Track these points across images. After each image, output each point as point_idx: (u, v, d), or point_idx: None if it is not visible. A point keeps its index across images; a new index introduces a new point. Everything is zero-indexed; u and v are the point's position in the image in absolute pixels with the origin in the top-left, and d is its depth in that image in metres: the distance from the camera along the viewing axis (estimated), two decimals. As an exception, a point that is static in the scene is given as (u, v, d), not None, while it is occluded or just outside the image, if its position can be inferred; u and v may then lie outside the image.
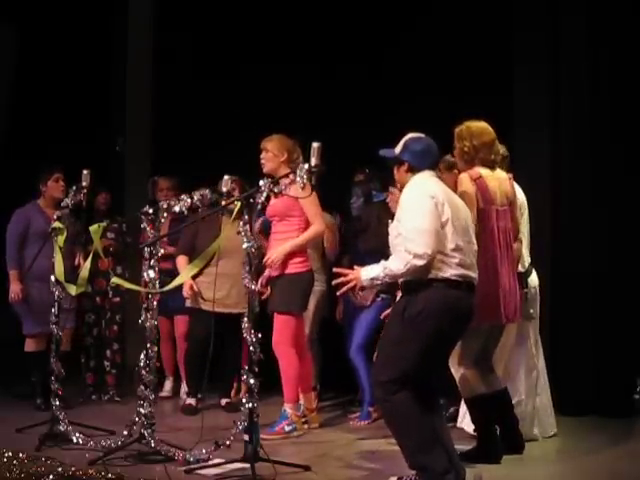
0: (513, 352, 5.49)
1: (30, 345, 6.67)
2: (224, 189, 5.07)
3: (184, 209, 5.16)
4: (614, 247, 6.33)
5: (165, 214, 5.29)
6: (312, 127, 6.08)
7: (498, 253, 4.95)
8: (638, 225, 6.31)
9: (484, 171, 5.05)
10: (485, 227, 4.80)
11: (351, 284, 4.46)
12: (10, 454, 4.98)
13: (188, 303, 6.68)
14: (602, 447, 5.40)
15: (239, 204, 4.89)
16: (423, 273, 4.30)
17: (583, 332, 6.36)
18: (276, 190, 4.94)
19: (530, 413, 5.52)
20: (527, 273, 5.51)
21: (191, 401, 6.62)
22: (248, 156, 6.15)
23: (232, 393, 6.83)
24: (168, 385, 7.40)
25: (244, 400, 4.77)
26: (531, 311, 5.52)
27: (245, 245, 4.86)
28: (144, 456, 5.02)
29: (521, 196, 5.49)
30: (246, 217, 4.85)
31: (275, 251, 5.75)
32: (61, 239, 5.71)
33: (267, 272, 5.87)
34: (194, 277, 6.39)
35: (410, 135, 4.59)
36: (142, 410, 5.09)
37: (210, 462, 4.85)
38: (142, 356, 5.17)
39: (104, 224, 5.83)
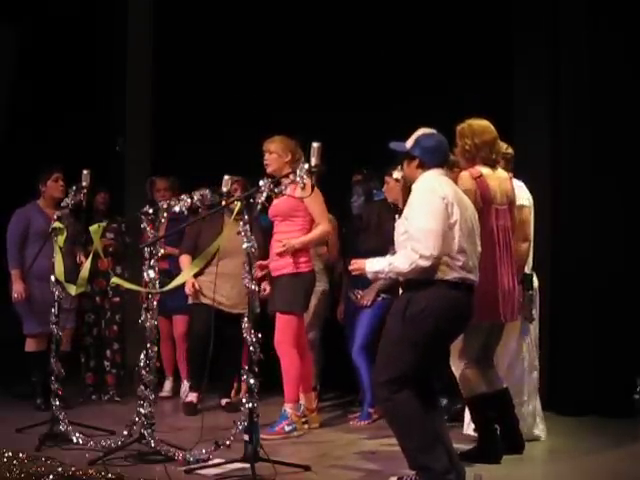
0: (516, 352, 5.49)
1: (31, 345, 6.67)
2: (224, 189, 5.07)
3: (184, 209, 5.16)
4: (614, 247, 6.33)
5: (165, 214, 5.29)
6: (312, 127, 6.08)
7: (497, 252, 4.95)
8: (639, 225, 6.31)
9: (485, 170, 5.05)
10: (485, 226, 4.79)
11: (358, 272, 4.54)
12: (10, 454, 4.97)
13: (190, 300, 6.70)
14: (602, 447, 5.40)
15: (239, 204, 4.88)
16: (427, 274, 4.30)
17: (583, 332, 6.36)
18: (276, 190, 4.94)
19: (532, 413, 5.52)
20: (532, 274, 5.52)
21: (192, 397, 6.62)
22: (248, 156, 6.15)
23: (232, 393, 6.84)
24: (168, 385, 7.40)
25: (244, 400, 4.76)
26: (533, 311, 5.53)
27: (245, 245, 4.86)
28: (144, 456, 5.01)
29: (529, 196, 5.50)
30: (246, 217, 4.85)
31: (288, 242, 5.71)
32: (61, 239, 5.71)
33: (263, 263, 5.88)
34: (195, 276, 6.40)
35: (422, 131, 4.57)
36: (142, 410, 5.09)
37: (210, 462, 4.84)
38: (142, 356, 5.16)
39: (104, 224, 5.83)
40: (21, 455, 4.98)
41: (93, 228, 5.49)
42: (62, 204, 5.86)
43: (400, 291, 4.80)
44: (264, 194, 4.88)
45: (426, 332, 4.28)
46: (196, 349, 6.54)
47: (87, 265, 5.65)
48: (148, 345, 5.19)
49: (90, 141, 8.61)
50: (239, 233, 4.87)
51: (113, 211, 7.32)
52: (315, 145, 4.57)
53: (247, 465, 4.61)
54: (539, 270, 5.68)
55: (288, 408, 5.76)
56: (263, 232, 6.25)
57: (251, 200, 4.86)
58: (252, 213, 4.93)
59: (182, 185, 6.98)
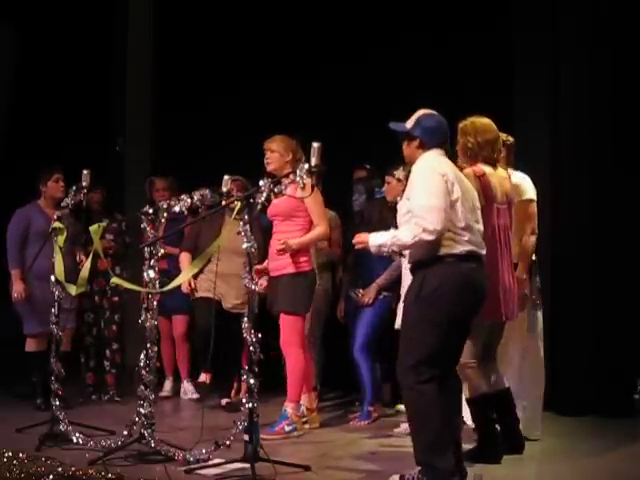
0: (525, 349, 5.50)
1: (31, 345, 6.67)
2: (224, 189, 5.07)
3: (184, 209, 5.16)
4: (614, 247, 6.33)
5: (165, 214, 5.29)
6: (312, 127, 6.08)
7: (499, 251, 4.95)
8: (639, 225, 6.31)
9: (487, 169, 5.05)
10: (487, 225, 4.80)
11: (361, 245, 4.55)
12: (10, 454, 4.97)
13: (191, 297, 6.71)
14: (602, 447, 5.40)
15: (239, 204, 4.88)
16: (430, 249, 4.32)
17: (583, 332, 6.36)
18: (276, 190, 4.93)
19: (537, 412, 5.53)
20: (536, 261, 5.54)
21: (203, 378, 6.62)
22: (248, 156, 6.15)
23: (232, 393, 6.83)
24: (168, 385, 7.40)
25: (244, 400, 4.76)
26: (538, 302, 5.53)
27: (245, 245, 4.85)
28: (144, 456, 5.01)
29: (534, 188, 5.52)
30: (246, 217, 4.84)
31: (287, 242, 5.69)
32: (61, 239, 5.70)
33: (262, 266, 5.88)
34: (194, 276, 6.41)
35: (423, 111, 4.59)
36: (142, 410, 5.09)
37: (210, 462, 4.84)
38: (142, 356, 5.16)
39: (104, 224, 5.83)
40: (21, 455, 4.98)
41: (93, 228, 5.49)
42: (62, 204, 5.85)
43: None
44: (264, 194, 4.87)
45: (444, 310, 4.28)
46: (202, 342, 6.53)
47: (87, 265, 5.64)
48: (148, 345, 5.18)
49: (90, 141, 8.62)
50: (239, 233, 4.87)
51: (109, 210, 7.24)
52: (315, 145, 4.56)
53: (247, 465, 4.60)
54: (539, 270, 5.68)
55: (289, 408, 5.76)
56: (263, 232, 6.25)
57: (251, 200, 4.86)
58: (252, 213, 4.93)
59: (182, 185, 6.98)
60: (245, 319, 4.86)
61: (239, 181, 6.34)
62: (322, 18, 7.75)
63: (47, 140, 8.54)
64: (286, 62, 7.87)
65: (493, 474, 4.68)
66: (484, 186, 4.95)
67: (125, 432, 5.14)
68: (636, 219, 6.30)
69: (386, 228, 6.07)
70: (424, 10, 7.24)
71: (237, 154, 7.17)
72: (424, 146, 4.53)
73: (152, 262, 5.22)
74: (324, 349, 6.85)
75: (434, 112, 4.58)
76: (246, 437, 4.67)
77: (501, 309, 4.96)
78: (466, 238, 4.38)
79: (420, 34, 7.25)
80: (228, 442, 4.84)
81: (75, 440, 5.36)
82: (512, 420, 5.17)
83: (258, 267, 5.64)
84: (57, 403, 5.53)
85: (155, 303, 5.25)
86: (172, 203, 5.22)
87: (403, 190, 5.37)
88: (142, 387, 5.12)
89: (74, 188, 5.74)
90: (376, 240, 4.49)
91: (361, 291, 6.29)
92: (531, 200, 5.48)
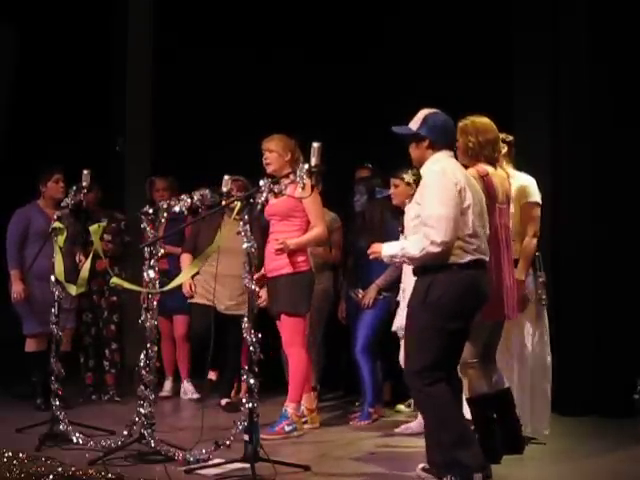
0: (533, 346, 5.51)
1: (31, 345, 6.67)
2: (224, 189, 5.06)
3: (184, 209, 5.16)
4: (615, 247, 6.33)
5: (165, 214, 5.29)
6: (312, 127, 6.08)
7: (501, 251, 4.95)
8: (639, 225, 6.31)
9: (489, 168, 5.04)
10: (490, 225, 4.79)
11: (375, 255, 4.55)
12: (10, 454, 4.98)
13: (191, 299, 6.73)
14: (602, 447, 5.40)
15: (239, 204, 4.87)
16: (440, 259, 4.31)
17: (583, 332, 6.36)
18: (276, 190, 4.92)
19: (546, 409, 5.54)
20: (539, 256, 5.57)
21: (211, 376, 6.75)
22: (248, 156, 6.15)
23: (232, 393, 6.84)
24: (168, 385, 7.40)
25: (244, 400, 4.76)
26: (544, 297, 5.54)
27: (245, 245, 4.85)
28: (144, 456, 5.01)
29: (537, 190, 5.54)
30: (246, 217, 4.84)
31: (285, 242, 5.67)
32: (61, 239, 5.70)
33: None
34: (192, 276, 6.41)
35: (427, 110, 4.52)
36: (142, 410, 5.09)
37: (210, 462, 4.84)
38: (142, 356, 5.16)
39: (104, 224, 5.83)
40: (21, 455, 4.98)
41: (93, 228, 5.49)
42: (62, 204, 5.85)
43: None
44: (264, 194, 4.87)
45: (449, 316, 4.29)
46: (198, 349, 6.64)
47: (87, 265, 5.64)
48: (148, 345, 5.18)
49: (90, 141, 8.62)
50: (239, 233, 4.86)
51: (108, 209, 7.22)
52: (315, 145, 4.55)
53: (247, 465, 4.60)
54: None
55: (290, 408, 5.75)
56: (262, 232, 6.25)
57: (251, 200, 4.85)
58: (252, 213, 4.92)
59: (182, 185, 6.98)
60: (245, 319, 4.84)
61: (239, 181, 6.34)
62: (322, 18, 7.75)
63: (47, 140, 8.54)
64: (286, 62, 7.87)
65: (493, 474, 4.66)
66: (487, 186, 4.94)
67: (125, 432, 5.14)
68: (636, 219, 6.30)
69: (387, 229, 6.10)
70: (424, 10, 7.24)
71: (237, 154, 7.17)
72: (434, 146, 4.47)
73: (152, 262, 5.22)
74: (324, 349, 6.85)
75: (438, 110, 4.53)
76: (246, 437, 4.67)
77: (504, 308, 4.97)
78: (474, 246, 4.38)
79: (420, 34, 7.25)
80: (228, 442, 4.84)
81: (75, 440, 5.36)
82: (512, 420, 5.16)
83: (256, 276, 5.53)
84: (57, 403, 5.53)
85: (155, 303, 5.25)
86: (172, 203, 5.22)
87: (413, 194, 5.36)
88: (142, 387, 5.12)
89: (74, 188, 5.74)
90: (388, 251, 4.48)
91: (361, 292, 6.29)
92: (537, 203, 5.51)
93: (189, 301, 6.75)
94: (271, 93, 7.81)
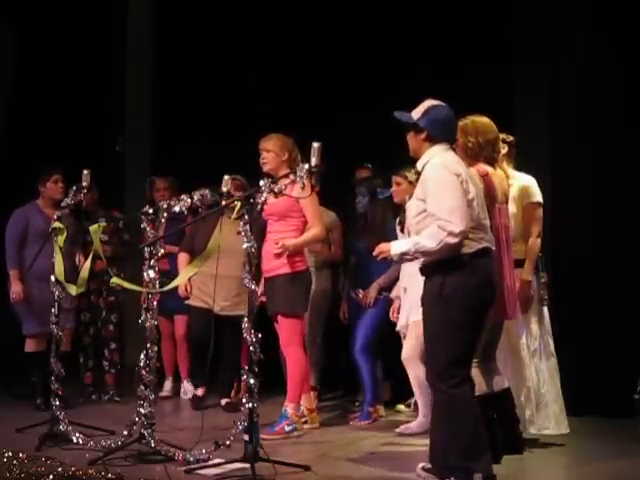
0: (536, 346, 5.51)
1: (30, 345, 6.67)
2: (224, 189, 5.06)
3: (184, 209, 5.15)
4: (615, 247, 6.33)
5: (165, 214, 5.28)
6: (312, 127, 6.08)
7: (502, 250, 4.95)
8: (639, 225, 6.31)
9: (488, 168, 5.04)
10: (491, 225, 4.79)
11: (383, 255, 4.47)
12: (10, 454, 4.98)
13: (187, 301, 6.73)
14: (602, 447, 5.41)
15: (239, 204, 4.87)
16: (454, 251, 4.25)
17: (583, 332, 6.36)
18: (276, 190, 4.92)
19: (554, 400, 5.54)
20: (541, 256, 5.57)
21: (197, 392, 6.75)
22: (248, 156, 6.14)
23: (232, 393, 6.84)
24: (168, 385, 7.40)
25: (244, 400, 4.76)
26: (546, 297, 5.54)
27: (245, 245, 4.85)
28: (144, 456, 5.01)
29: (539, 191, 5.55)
30: (246, 217, 4.84)
31: (283, 243, 5.64)
32: (61, 239, 5.70)
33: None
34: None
35: (431, 101, 4.48)
36: (142, 410, 5.09)
37: (210, 462, 4.84)
38: (142, 356, 5.16)
39: (104, 224, 5.83)
40: (21, 455, 4.98)
41: (93, 228, 5.49)
42: (62, 204, 5.85)
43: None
44: (264, 194, 4.87)
45: (466, 308, 4.24)
46: (196, 351, 6.63)
47: (87, 265, 5.64)
48: (148, 345, 5.18)
49: (90, 141, 8.62)
50: (239, 233, 4.86)
51: (105, 208, 7.19)
52: (315, 145, 4.55)
53: (247, 465, 4.60)
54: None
55: (289, 408, 5.75)
56: (260, 232, 6.25)
57: (251, 200, 4.85)
58: (252, 213, 4.92)
59: (182, 185, 6.98)
60: (245, 319, 4.84)
61: (237, 181, 6.33)
62: (322, 18, 7.75)
63: (47, 140, 8.54)
64: (286, 62, 7.86)
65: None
66: (488, 186, 4.93)
67: (125, 432, 5.13)
68: (636, 219, 6.30)
69: (388, 230, 6.10)
70: (424, 10, 7.23)
71: (237, 154, 7.16)
72: (432, 140, 4.43)
73: (152, 262, 5.21)
74: (324, 349, 6.84)
75: (443, 103, 4.48)
76: (246, 437, 4.67)
77: (505, 308, 4.96)
78: (481, 235, 4.35)
79: (420, 34, 7.25)
80: (228, 442, 4.84)
81: (75, 440, 5.35)
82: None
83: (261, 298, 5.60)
84: (57, 403, 5.52)
85: (155, 303, 5.25)
86: (172, 203, 5.21)
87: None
88: (142, 387, 5.12)
89: (74, 188, 5.74)
90: (398, 248, 4.40)
91: (361, 292, 6.29)
92: (539, 203, 5.51)
93: (186, 303, 6.75)
94: (271, 93, 7.80)
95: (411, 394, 6.19)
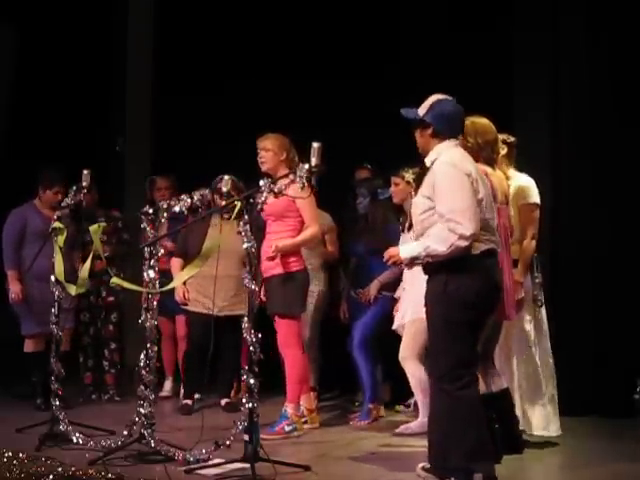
0: (534, 347, 5.51)
1: (29, 346, 6.67)
2: (224, 189, 5.05)
3: (184, 209, 5.15)
4: (615, 247, 6.33)
5: (165, 214, 5.28)
6: (312, 127, 6.08)
7: (503, 250, 4.94)
8: (639, 225, 6.31)
9: (488, 169, 5.04)
10: None
11: (393, 260, 4.41)
12: (10, 454, 4.98)
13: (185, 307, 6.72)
14: (602, 447, 5.41)
15: (239, 204, 4.87)
16: (464, 252, 4.20)
17: (583, 332, 6.36)
18: (276, 190, 4.92)
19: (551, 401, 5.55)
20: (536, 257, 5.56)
21: (187, 401, 6.67)
22: (248, 156, 6.14)
23: (232, 393, 6.84)
24: (168, 385, 7.40)
25: (244, 400, 4.76)
26: (540, 297, 5.54)
27: (245, 245, 4.85)
28: (144, 456, 5.01)
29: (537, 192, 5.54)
30: (246, 217, 4.84)
31: (276, 244, 5.65)
32: (61, 239, 5.70)
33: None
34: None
35: (437, 96, 4.42)
36: (142, 410, 5.09)
37: (210, 462, 4.84)
38: (142, 356, 5.16)
39: (104, 224, 5.83)
40: (21, 455, 4.98)
41: (93, 228, 5.49)
42: (62, 204, 5.85)
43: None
44: (264, 194, 4.86)
45: (470, 308, 4.21)
46: (191, 356, 6.59)
47: (87, 265, 5.64)
48: (148, 345, 5.18)
49: (90, 141, 8.61)
50: (239, 233, 4.86)
51: (104, 208, 7.18)
52: (315, 145, 4.54)
53: (247, 465, 4.60)
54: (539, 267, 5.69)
55: (289, 408, 5.75)
56: (261, 232, 6.25)
57: (251, 200, 4.85)
58: (252, 213, 4.92)
59: (182, 185, 6.97)
60: (245, 319, 4.84)
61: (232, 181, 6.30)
62: (322, 18, 7.75)
63: (47, 140, 8.54)
64: (286, 62, 7.86)
65: (493, 474, 4.68)
66: (489, 186, 4.93)
67: (125, 432, 5.13)
68: (636, 219, 6.30)
69: (389, 231, 6.10)
70: (424, 10, 7.23)
71: (237, 154, 7.16)
72: (438, 135, 4.36)
73: (152, 262, 5.21)
74: (322, 349, 6.84)
75: (449, 97, 4.43)
76: (246, 437, 4.67)
77: (504, 309, 4.96)
78: (487, 237, 4.31)
79: (420, 34, 7.25)
80: (228, 442, 4.84)
81: (75, 440, 5.36)
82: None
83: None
84: (57, 403, 5.53)
85: (155, 303, 5.24)
86: (172, 203, 5.21)
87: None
88: (142, 387, 5.12)
89: (74, 188, 5.74)
90: (408, 253, 4.34)
91: (361, 291, 6.30)
92: (536, 204, 5.50)
93: (183, 308, 6.72)
94: (271, 93, 7.80)
95: (411, 395, 6.20)
